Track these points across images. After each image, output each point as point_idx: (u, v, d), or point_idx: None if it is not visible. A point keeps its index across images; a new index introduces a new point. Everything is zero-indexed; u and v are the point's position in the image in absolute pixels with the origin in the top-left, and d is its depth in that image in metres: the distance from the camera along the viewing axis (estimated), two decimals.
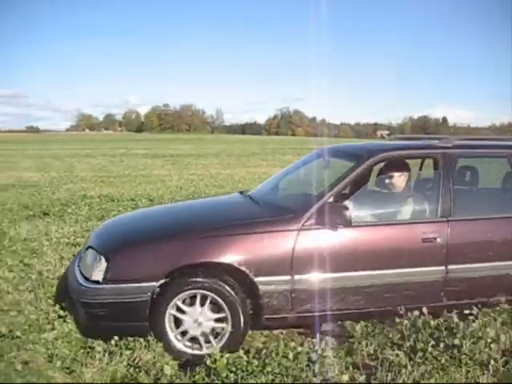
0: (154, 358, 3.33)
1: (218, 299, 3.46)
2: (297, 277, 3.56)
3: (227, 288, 3.46)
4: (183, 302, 3.49)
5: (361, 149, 4.34)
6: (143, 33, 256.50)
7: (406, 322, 3.60)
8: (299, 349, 3.33)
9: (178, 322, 3.51)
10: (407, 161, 4.31)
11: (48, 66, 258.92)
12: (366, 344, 3.56)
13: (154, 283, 3.40)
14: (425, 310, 3.70)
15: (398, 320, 3.68)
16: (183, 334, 3.52)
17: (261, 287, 3.50)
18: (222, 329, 3.52)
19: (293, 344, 3.46)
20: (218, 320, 3.52)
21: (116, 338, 3.46)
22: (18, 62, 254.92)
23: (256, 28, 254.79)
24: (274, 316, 3.61)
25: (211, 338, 3.52)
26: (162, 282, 3.42)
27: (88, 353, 3.43)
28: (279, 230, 3.63)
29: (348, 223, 3.60)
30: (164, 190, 11.84)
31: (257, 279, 3.49)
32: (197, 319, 3.47)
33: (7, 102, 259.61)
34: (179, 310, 3.48)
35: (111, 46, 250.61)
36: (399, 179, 4.19)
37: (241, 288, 3.52)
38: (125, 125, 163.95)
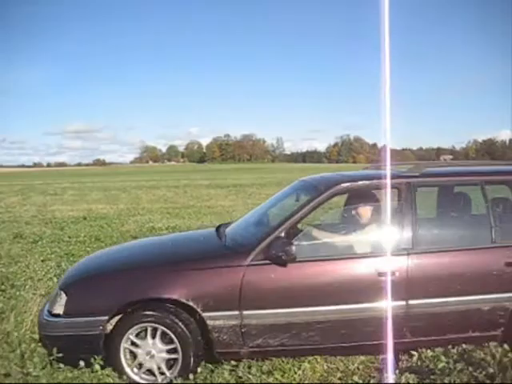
0: None
1: (169, 332, 3.49)
2: (245, 312, 3.52)
3: (177, 322, 3.48)
4: (137, 335, 3.54)
5: (319, 181, 4.24)
6: (203, 66, 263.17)
7: (490, 358, 3.44)
8: None
9: (134, 356, 3.57)
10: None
11: (115, 101, 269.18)
12: (449, 381, 3.39)
13: (105, 317, 3.47)
14: (506, 347, 3.53)
15: (480, 356, 3.52)
16: (139, 366, 3.56)
17: (209, 322, 3.49)
18: (175, 359, 3.54)
19: (372, 382, 3.37)
20: (170, 351, 3.54)
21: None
22: (92, 97, 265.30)
23: (310, 56, 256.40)
24: (226, 350, 3.59)
25: (165, 369, 3.55)
26: (112, 316, 3.50)
27: None
28: (227, 265, 3.61)
29: (296, 258, 3.53)
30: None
31: (205, 314, 3.48)
32: (149, 351, 3.52)
33: (77, 136, 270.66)
34: (133, 343, 3.55)
35: (172, 80, 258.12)
36: (360, 211, 4.03)
37: (192, 322, 3.52)
38: (187, 156, 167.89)
